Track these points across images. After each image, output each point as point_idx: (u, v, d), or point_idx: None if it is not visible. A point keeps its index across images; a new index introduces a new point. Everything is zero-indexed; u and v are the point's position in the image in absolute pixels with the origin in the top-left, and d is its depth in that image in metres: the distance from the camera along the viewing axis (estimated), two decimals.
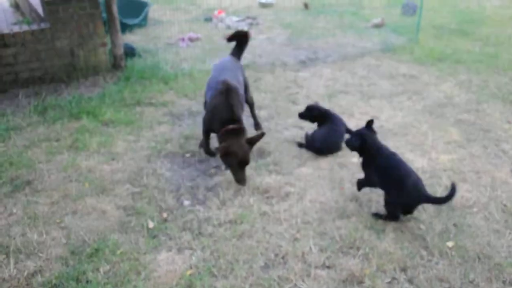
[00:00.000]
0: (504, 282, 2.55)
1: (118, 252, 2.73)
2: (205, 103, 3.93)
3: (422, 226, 2.97)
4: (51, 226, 2.97)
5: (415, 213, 3.01)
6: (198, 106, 4.76)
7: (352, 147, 3.14)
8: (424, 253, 2.74)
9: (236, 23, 8.43)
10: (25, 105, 4.79)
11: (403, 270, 2.62)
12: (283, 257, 2.71)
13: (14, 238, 2.84)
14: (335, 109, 4.40)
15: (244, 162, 3.33)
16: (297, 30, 8.05)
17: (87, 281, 2.51)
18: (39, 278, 2.53)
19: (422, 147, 4.00)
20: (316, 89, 5.37)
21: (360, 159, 3.17)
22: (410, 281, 2.55)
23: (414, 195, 2.84)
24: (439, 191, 3.32)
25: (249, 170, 3.44)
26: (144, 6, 8.05)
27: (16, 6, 9.32)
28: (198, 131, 3.87)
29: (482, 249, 2.77)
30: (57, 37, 5.33)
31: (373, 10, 9.08)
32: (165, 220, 3.04)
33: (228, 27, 8.17)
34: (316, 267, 2.63)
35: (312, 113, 4.03)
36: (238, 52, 4.19)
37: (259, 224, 3.00)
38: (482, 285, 2.52)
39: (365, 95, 5.19)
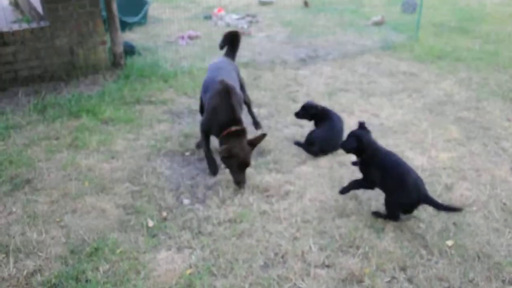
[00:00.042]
0: (503, 281, 2.55)
1: (118, 251, 2.73)
2: (201, 104, 3.91)
3: (421, 225, 2.97)
4: (50, 225, 2.96)
5: (415, 212, 3.01)
6: (197, 104, 4.74)
7: (348, 150, 3.10)
8: (423, 252, 2.74)
9: (235, 21, 8.41)
10: (25, 104, 4.79)
11: (403, 269, 2.62)
12: (282, 256, 2.71)
13: (13, 237, 2.84)
14: (335, 107, 4.40)
15: (245, 164, 3.31)
16: (297, 28, 8.04)
17: (86, 280, 2.51)
18: (38, 277, 2.53)
19: (422, 145, 3.99)
20: (316, 87, 5.36)
21: (358, 160, 3.13)
22: (409, 280, 2.55)
23: (415, 195, 2.83)
24: (439, 189, 3.32)
25: (248, 169, 3.44)
26: (143, 4, 8.04)
27: (16, 4, 9.31)
28: (198, 129, 3.86)
29: (482, 248, 2.77)
30: (56, 35, 5.32)
31: (373, 8, 9.09)
32: (165, 219, 3.04)
33: (228, 25, 8.14)
34: (315, 266, 2.63)
35: (309, 112, 3.99)
36: (231, 52, 4.20)
37: (258, 223, 3.00)
38: (481, 284, 2.52)
39: (365, 93, 5.18)
